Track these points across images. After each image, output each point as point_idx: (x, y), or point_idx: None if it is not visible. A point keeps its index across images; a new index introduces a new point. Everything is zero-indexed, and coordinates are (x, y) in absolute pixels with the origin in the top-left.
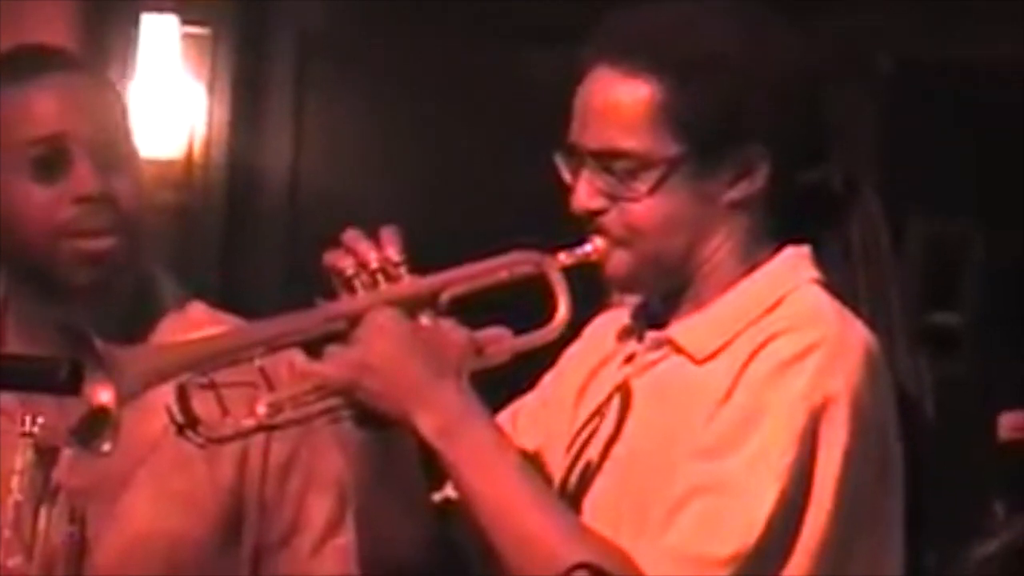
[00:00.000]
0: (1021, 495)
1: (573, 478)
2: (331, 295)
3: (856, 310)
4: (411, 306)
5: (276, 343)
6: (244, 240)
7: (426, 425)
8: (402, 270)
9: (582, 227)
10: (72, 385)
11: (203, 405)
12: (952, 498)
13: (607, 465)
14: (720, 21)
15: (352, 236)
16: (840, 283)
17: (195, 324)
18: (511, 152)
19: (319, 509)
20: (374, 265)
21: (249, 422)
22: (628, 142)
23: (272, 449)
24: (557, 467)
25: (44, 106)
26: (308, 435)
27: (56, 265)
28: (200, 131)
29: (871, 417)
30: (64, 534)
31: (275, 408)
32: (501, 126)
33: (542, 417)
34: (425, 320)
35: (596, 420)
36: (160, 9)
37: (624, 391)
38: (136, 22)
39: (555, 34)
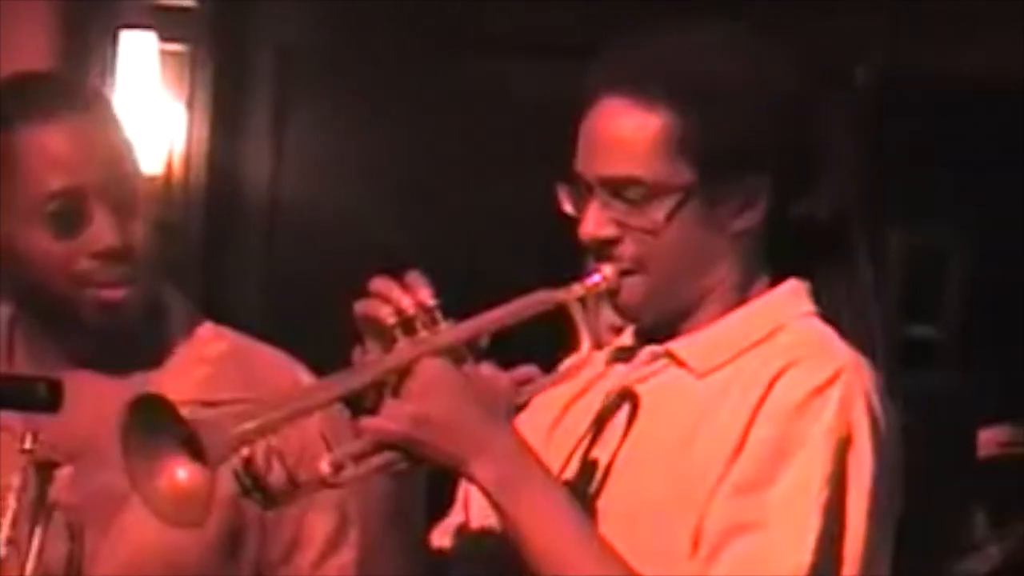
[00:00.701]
0: (1004, 509)
1: (578, 485)
2: (357, 339)
3: (841, 336)
4: (455, 354)
5: (332, 401)
6: (224, 257)
7: (485, 477)
8: (438, 315)
9: (562, 239)
10: (51, 403)
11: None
12: (931, 512)
13: (616, 468)
14: (724, 49)
15: (384, 284)
16: (827, 311)
17: (205, 344)
18: (492, 165)
19: (320, 526)
20: (410, 312)
21: (312, 481)
22: (642, 170)
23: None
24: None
25: (61, 155)
26: (308, 456)
27: (74, 308)
28: (179, 148)
29: (888, 444)
30: (61, 551)
31: (337, 466)
32: (481, 139)
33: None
34: (468, 367)
35: (598, 427)
36: (139, 26)
37: (631, 400)
38: (115, 39)
39: (536, 47)
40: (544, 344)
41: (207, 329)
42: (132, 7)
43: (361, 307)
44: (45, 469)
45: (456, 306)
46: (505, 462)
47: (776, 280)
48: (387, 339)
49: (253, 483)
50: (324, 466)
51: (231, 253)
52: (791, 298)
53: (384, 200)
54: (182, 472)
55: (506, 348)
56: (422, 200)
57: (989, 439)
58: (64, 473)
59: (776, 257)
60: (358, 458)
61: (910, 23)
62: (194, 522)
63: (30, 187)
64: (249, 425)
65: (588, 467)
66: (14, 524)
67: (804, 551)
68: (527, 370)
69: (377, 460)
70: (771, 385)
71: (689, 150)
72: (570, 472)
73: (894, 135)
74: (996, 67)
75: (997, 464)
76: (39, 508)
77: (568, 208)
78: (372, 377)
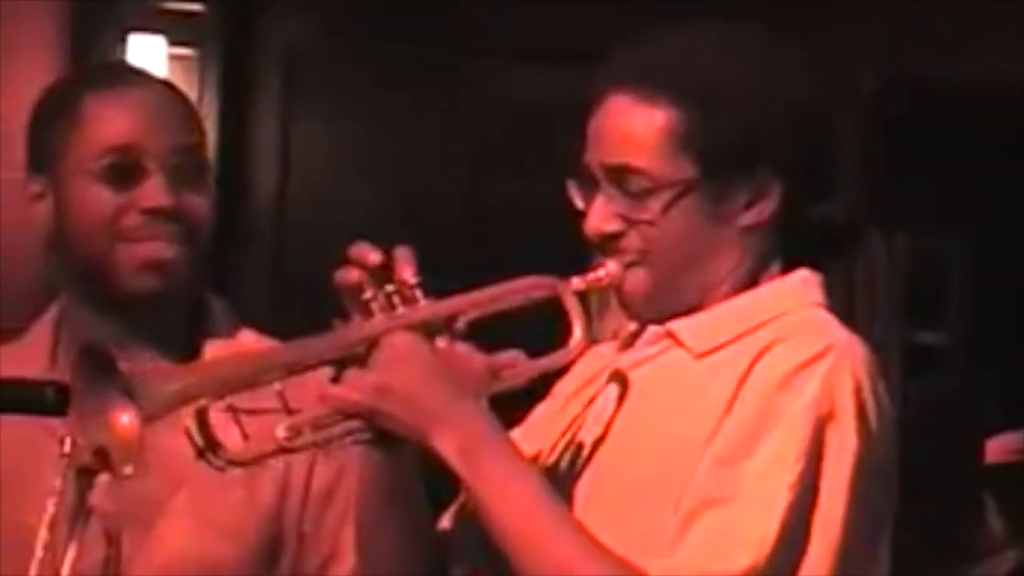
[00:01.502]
0: (1019, 513)
1: (564, 464)
2: (346, 315)
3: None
4: (428, 330)
5: (296, 367)
6: (231, 260)
7: (446, 446)
8: (418, 292)
9: (578, 241)
10: (58, 408)
11: (227, 430)
12: (945, 517)
13: (598, 454)
14: (734, 47)
15: (360, 249)
16: (839, 314)
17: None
18: (496, 169)
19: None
20: (390, 287)
21: (268, 446)
22: (643, 161)
23: (315, 477)
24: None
25: (123, 116)
26: (351, 464)
27: (114, 271)
28: None
29: (877, 425)
30: (98, 557)
31: (294, 431)
32: (486, 143)
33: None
34: (442, 344)
35: (589, 410)
36: (147, 30)
37: (620, 381)
38: (123, 43)
39: (542, 53)
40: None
41: (248, 335)
42: (140, 11)
43: (339, 275)
44: (85, 474)
45: None
46: (465, 432)
47: (787, 270)
48: (365, 312)
49: (207, 444)
50: (281, 431)
51: (238, 255)
52: (801, 287)
53: (393, 202)
54: (124, 419)
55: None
56: (428, 204)
57: (1002, 445)
58: (103, 479)
59: (790, 256)
60: (317, 426)
61: (912, 29)
62: (122, 466)
63: (90, 140)
64: (190, 382)
65: (575, 447)
66: (51, 528)
67: (771, 523)
68: (510, 355)
69: (337, 429)
70: (757, 358)
71: (692, 145)
72: (557, 453)
73: (897, 141)
74: (998, 72)
75: (1011, 469)
76: (78, 513)
77: (578, 202)
78: (338, 344)
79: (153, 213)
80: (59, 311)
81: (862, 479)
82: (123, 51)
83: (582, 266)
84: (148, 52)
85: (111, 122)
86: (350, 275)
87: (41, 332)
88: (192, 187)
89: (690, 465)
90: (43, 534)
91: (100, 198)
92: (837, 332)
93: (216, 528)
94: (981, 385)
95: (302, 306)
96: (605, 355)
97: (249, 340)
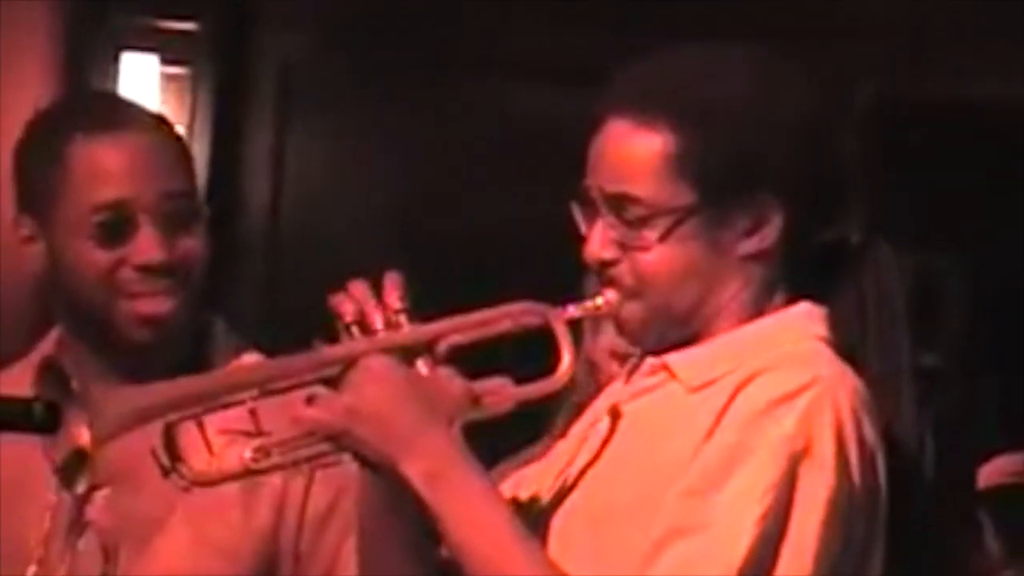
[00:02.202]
0: (1017, 536)
1: (550, 491)
2: (332, 339)
3: (864, 363)
4: (409, 353)
5: (268, 386)
6: (224, 279)
7: (412, 471)
8: (402, 317)
9: (573, 258)
10: (48, 425)
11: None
12: (939, 539)
13: (583, 481)
14: (733, 69)
15: (355, 284)
16: (850, 337)
17: None
18: (494, 186)
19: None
20: (375, 312)
21: (234, 466)
22: (640, 188)
23: (311, 498)
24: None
25: (111, 167)
26: (348, 485)
27: (113, 324)
28: None
29: (858, 461)
30: (94, 573)
31: (262, 453)
32: (483, 161)
33: (530, 474)
34: (422, 368)
35: (580, 444)
36: (140, 48)
37: (612, 415)
38: (116, 61)
39: (535, 68)
40: None
41: (252, 357)
42: (133, 29)
43: (331, 301)
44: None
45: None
46: (434, 460)
47: (792, 300)
48: (346, 334)
49: (172, 463)
50: (248, 452)
51: (230, 275)
52: (803, 321)
53: (385, 221)
54: (84, 436)
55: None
56: (423, 219)
57: (1000, 467)
58: (101, 495)
59: (796, 283)
60: (286, 448)
61: (909, 48)
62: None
63: (80, 197)
64: (150, 400)
65: (564, 475)
66: (46, 543)
67: (737, 556)
68: (495, 382)
69: (305, 451)
70: (741, 387)
71: (690, 171)
72: (547, 481)
73: (895, 157)
74: (996, 89)
75: (1009, 491)
76: (74, 529)
77: (580, 226)
78: (312, 364)
79: (146, 269)
80: (57, 338)
81: (837, 516)
82: (116, 70)
83: (577, 282)
84: (141, 71)
85: (101, 176)
86: (339, 303)
87: (38, 358)
88: (185, 230)
89: (666, 490)
90: (38, 549)
91: (93, 256)
92: (826, 365)
93: (211, 547)
94: (978, 406)
95: (296, 322)
96: (616, 393)
97: (251, 361)
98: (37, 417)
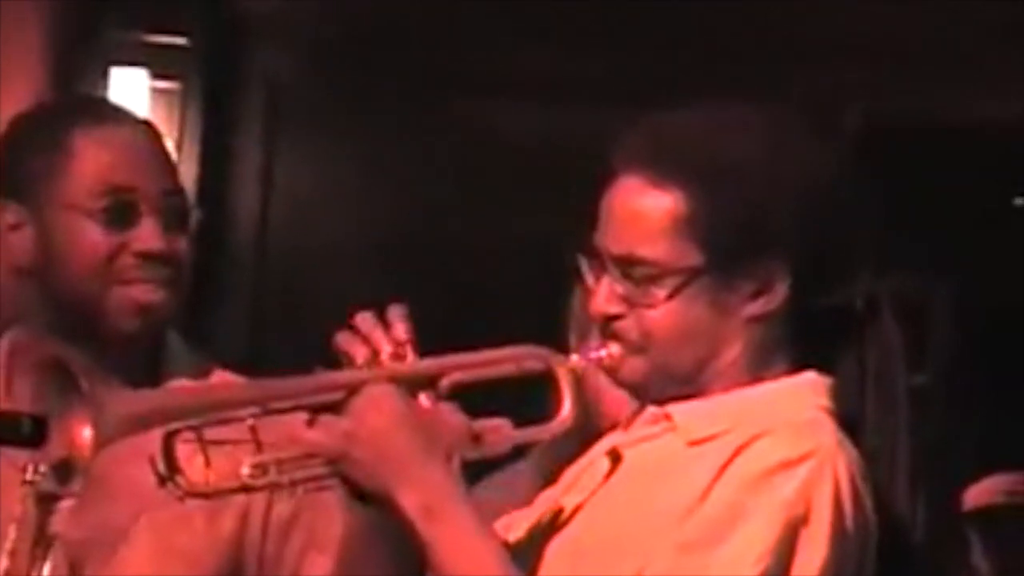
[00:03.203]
0: (1008, 557)
1: (540, 528)
2: (327, 364)
3: (862, 434)
4: (411, 385)
5: (268, 404)
6: (212, 294)
7: (408, 502)
8: (407, 349)
9: (563, 279)
10: (35, 439)
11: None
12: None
13: (574, 519)
14: (747, 133)
15: (366, 321)
16: (849, 410)
17: None
18: (480, 205)
19: (319, 568)
20: (382, 342)
21: (231, 481)
22: (648, 250)
23: (275, 507)
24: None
25: (119, 156)
26: (311, 494)
27: (103, 311)
28: None
29: (852, 534)
30: None
31: (260, 470)
32: (470, 179)
33: (521, 515)
34: (424, 401)
35: (574, 484)
36: (129, 63)
37: (613, 457)
38: (105, 76)
39: (524, 89)
40: None
41: (220, 376)
42: (123, 44)
43: (339, 339)
44: (46, 501)
45: (439, 344)
46: (430, 492)
47: (795, 369)
48: (350, 362)
49: (169, 473)
50: (245, 468)
51: (219, 290)
52: (808, 389)
53: (373, 238)
54: (85, 433)
55: None
56: (411, 238)
57: (988, 487)
58: (66, 505)
59: (799, 347)
60: (283, 467)
61: (897, 72)
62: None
63: (85, 178)
64: (152, 407)
65: (555, 513)
66: (13, 556)
67: None
68: (496, 421)
69: (301, 473)
70: (741, 448)
71: (698, 232)
72: (535, 522)
73: (883, 181)
74: (982, 116)
75: (999, 512)
76: (40, 540)
77: (588, 279)
78: (314, 387)
79: (147, 256)
80: (12, 340)
81: None
82: (105, 84)
83: (569, 306)
84: (130, 85)
85: (107, 162)
86: (348, 342)
87: None
88: (178, 230)
89: (654, 541)
90: (4, 562)
91: (94, 238)
92: (827, 436)
93: (176, 555)
94: (964, 428)
95: (281, 339)
96: (616, 438)
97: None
98: (25, 431)
